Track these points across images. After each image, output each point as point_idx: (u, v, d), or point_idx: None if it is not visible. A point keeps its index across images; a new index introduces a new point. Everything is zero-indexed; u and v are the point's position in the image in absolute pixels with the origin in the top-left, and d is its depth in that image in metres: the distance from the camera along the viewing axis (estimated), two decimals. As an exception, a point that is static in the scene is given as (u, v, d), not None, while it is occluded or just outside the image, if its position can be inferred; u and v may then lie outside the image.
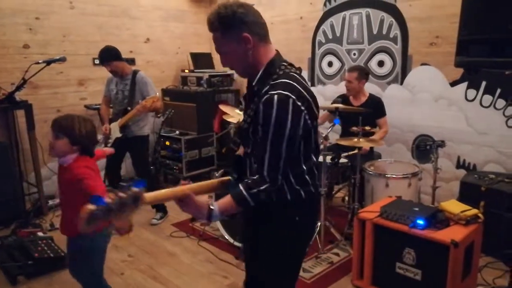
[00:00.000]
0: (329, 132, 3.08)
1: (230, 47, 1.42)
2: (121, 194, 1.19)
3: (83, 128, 1.95)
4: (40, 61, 3.45)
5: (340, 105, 3.20)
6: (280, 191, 1.45)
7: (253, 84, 1.45)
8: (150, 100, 3.48)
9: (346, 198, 4.08)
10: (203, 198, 1.40)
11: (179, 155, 4.82)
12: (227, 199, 1.39)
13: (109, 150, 2.55)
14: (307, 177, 1.51)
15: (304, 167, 1.49)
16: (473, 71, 1.25)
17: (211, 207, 1.36)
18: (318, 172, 1.59)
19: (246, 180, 1.39)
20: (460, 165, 3.67)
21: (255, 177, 1.38)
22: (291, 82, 1.39)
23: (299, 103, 1.36)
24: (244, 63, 1.46)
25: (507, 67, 1.24)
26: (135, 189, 1.21)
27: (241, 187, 1.37)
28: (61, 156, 1.97)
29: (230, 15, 1.38)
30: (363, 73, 3.63)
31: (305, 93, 1.40)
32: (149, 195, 1.30)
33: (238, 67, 1.50)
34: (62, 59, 3.51)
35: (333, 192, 4.15)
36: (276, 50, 1.50)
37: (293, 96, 1.34)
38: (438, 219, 2.41)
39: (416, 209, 2.49)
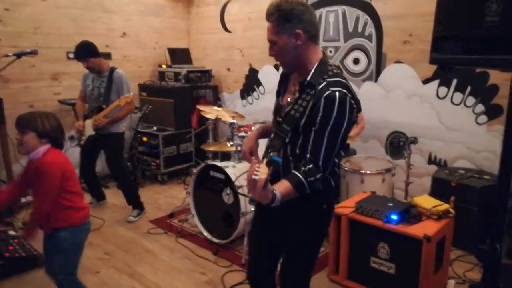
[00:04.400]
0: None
1: (281, 39, 1.54)
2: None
3: (47, 121, 1.98)
4: (10, 54, 3.34)
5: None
6: None
7: (307, 78, 1.55)
8: (123, 100, 3.46)
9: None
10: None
11: (156, 151, 4.77)
12: (286, 185, 1.47)
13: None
14: (336, 168, 1.64)
15: (336, 160, 1.60)
16: (447, 68, 1.28)
17: (274, 191, 1.42)
18: None
19: (302, 168, 1.49)
20: (431, 161, 3.78)
21: (310, 166, 1.49)
22: (346, 82, 1.53)
23: (353, 102, 1.51)
24: (290, 57, 1.58)
25: (480, 65, 1.28)
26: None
27: (299, 175, 1.48)
28: (32, 151, 1.96)
29: (289, 9, 1.50)
30: None
31: (354, 93, 1.55)
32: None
33: (284, 59, 1.61)
34: (34, 52, 3.42)
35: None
36: (323, 51, 1.64)
37: (349, 95, 1.49)
38: (411, 214, 2.49)
39: (390, 204, 2.56)
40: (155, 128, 4.92)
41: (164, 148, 4.75)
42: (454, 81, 3.57)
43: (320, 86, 1.50)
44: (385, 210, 2.47)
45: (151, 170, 4.89)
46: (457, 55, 1.16)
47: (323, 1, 4.35)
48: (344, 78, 1.56)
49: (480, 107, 3.46)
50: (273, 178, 1.52)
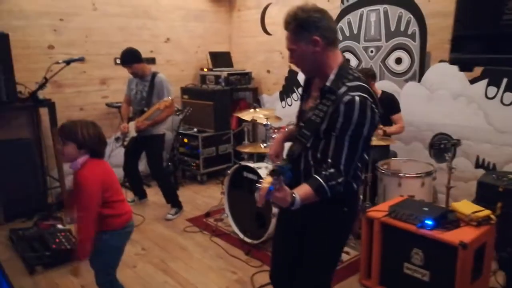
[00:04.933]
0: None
1: (300, 46, 1.55)
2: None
3: (86, 132, 2.01)
4: (60, 61, 3.59)
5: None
6: None
7: (327, 84, 1.55)
8: (162, 104, 3.59)
9: (361, 196, 4.03)
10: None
11: (196, 152, 4.89)
12: (306, 189, 1.48)
13: None
14: (358, 172, 1.63)
15: (359, 164, 1.59)
16: (467, 68, 1.22)
17: (294, 195, 1.44)
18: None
19: (323, 173, 1.50)
20: (479, 164, 3.55)
21: (331, 171, 1.49)
22: (366, 86, 1.52)
23: (374, 106, 1.50)
24: (310, 63, 1.59)
25: (503, 64, 1.19)
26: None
27: (320, 179, 1.48)
28: (72, 160, 2.03)
29: (305, 17, 1.52)
30: (369, 76, 3.58)
31: (375, 96, 1.53)
32: None
33: (304, 65, 1.63)
34: (81, 59, 3.65)
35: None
36: (343, 55, 1.63)
37: (370, 99, 1.48)
38: (448, 219, 2.36)
39: (426, 209, 2.44)
40: (195, 129, 5.05)
41: (204, 149, 4.86)
42: (505, 80, 3.33)
43: (340, 91, 1.50)
44: (420, 215, 2.35)
45: (192, 170, 5.02)
46: (478, 55, 1.10)
47: (364, 1, 4.25)
48: (366, 82, 1.54)
49: (533, 108, 3.21)
50: (293, 182, 1.54)
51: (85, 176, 1.99)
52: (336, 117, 1.48)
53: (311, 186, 1.48)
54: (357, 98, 1.45)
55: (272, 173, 1.38)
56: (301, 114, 1.74)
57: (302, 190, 1.47)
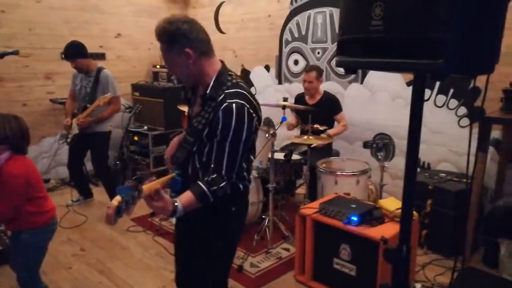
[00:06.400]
0: (277, 129, 3.08)
1: (172, 58, 1.56)
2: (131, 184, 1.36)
3: (8, 127, 1.96)
4: (-10, 55, 3.44)
5: (286, 103, 3.23)
6: None
7: (207, 91, 1.57)
8: (102, 100, 3.54)
9: (307, 195, 4.12)
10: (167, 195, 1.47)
11: (147, 150, 4.83)
12: (188, 196, 1.49)
13: None
14: (245, 173, 1.66)
15: (244, 165, 1.63)
16: (351, 70, 1.31)
17: (175, 203, 1.45)
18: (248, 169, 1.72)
19: (206, 178, 1.52)
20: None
21: (213, 176, 1.52)
22: (244, 92, 1.56)
23: (252, 111, 1.54)
24: (184, 73, 1.60)
25: (375, 67, 1.28)
26: (134, 182, 1.38)
27: (202, 185, 1.50)
28: None
29: (174, 31, 1.50)
30: (320, 72, 3.69)
31: (253, 101, 1.58)
32: (145, 187, 1.42)
33: (180, 75, 1.65)
34: (15, 53, 3.47)
35: (294, 188, 4.19)
36: (221, 61, 1.65)
37: (247, 105, 1.52)
38: (373, 216, 2.47)
39: (353, 206, 2.54)
40: (145, 127, 4.99)
41: (154, 147, 4.81)
42: (437, 83, 3.51)
43: (219, 98, 1.53)
44: (347, 212, 2.45)
45: (142, 168, 4.94)
46: (358, 58, 1.17)
47: (311, 3, 4.34)
48: (244, 88, 1.57)
49: (463, 110, 3.40)
50: (183, 187, 1.57)
51: (9, 173, 1.95)
52: (216, 123, 1.51)
53: (194, 193, 1.49)
54: (233, 105, 1.49)
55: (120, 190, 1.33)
56: (189, 119, 1.75)
57: (185, 198, 1.48)
